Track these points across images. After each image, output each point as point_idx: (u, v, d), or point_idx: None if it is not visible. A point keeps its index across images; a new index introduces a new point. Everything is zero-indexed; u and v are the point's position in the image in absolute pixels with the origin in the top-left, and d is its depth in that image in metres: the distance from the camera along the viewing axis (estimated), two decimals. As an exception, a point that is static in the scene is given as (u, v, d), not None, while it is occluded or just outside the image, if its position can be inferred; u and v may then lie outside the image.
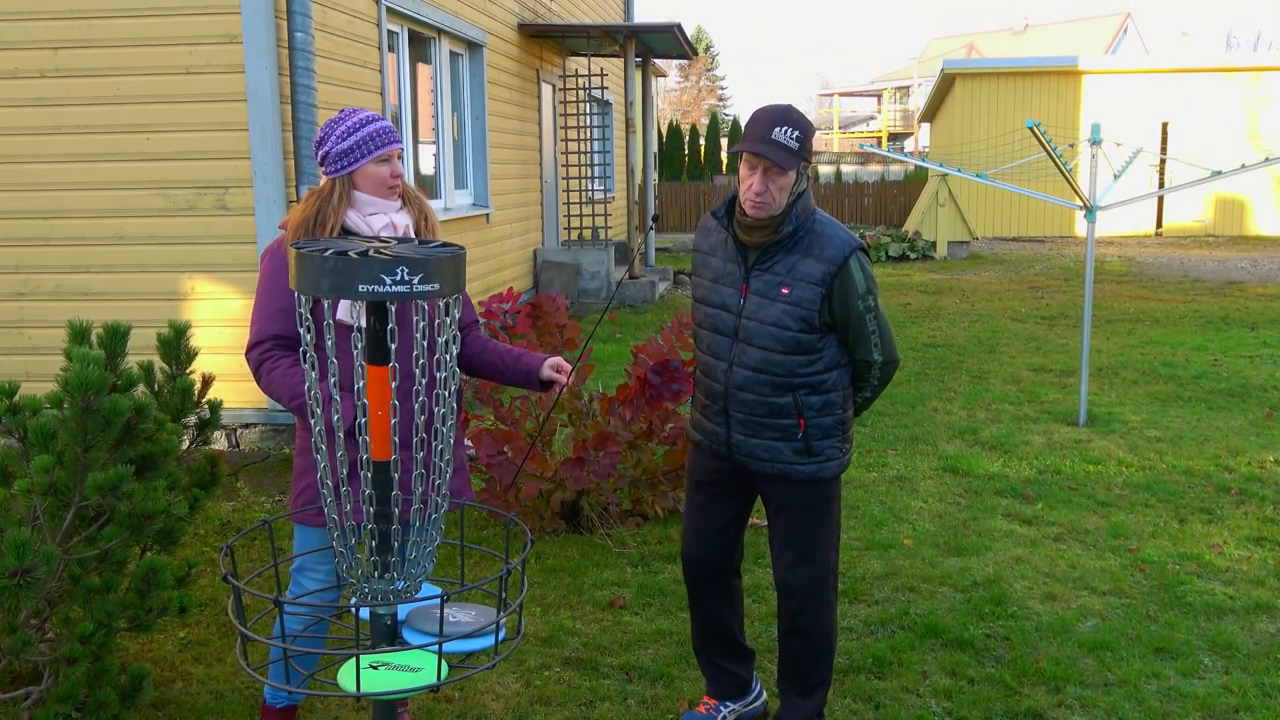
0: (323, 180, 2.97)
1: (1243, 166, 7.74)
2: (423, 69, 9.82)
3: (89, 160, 6.59)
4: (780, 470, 3.18)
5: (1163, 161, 22.19)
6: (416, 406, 2.10)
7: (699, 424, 3.35)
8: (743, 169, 3.02)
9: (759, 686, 3.61)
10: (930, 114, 29.50)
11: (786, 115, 2.99)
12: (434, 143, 10.10)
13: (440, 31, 9.84)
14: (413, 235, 3.02)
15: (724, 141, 32.69)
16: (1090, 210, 7.29)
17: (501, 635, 2.19)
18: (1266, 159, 7.44)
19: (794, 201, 3.05)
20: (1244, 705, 3.66)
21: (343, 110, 2.96)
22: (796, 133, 2.96)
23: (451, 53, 10.39)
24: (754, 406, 3.15)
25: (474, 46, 10.81)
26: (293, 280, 1.92)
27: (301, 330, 2.02)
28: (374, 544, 2.11)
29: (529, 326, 5.31)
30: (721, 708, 3.53)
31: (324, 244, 2.03)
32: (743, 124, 31.79)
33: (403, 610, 2.21)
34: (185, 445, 3.82)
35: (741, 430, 3.19)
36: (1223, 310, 12.63)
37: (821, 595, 3.29)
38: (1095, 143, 7.31)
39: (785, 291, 3.06)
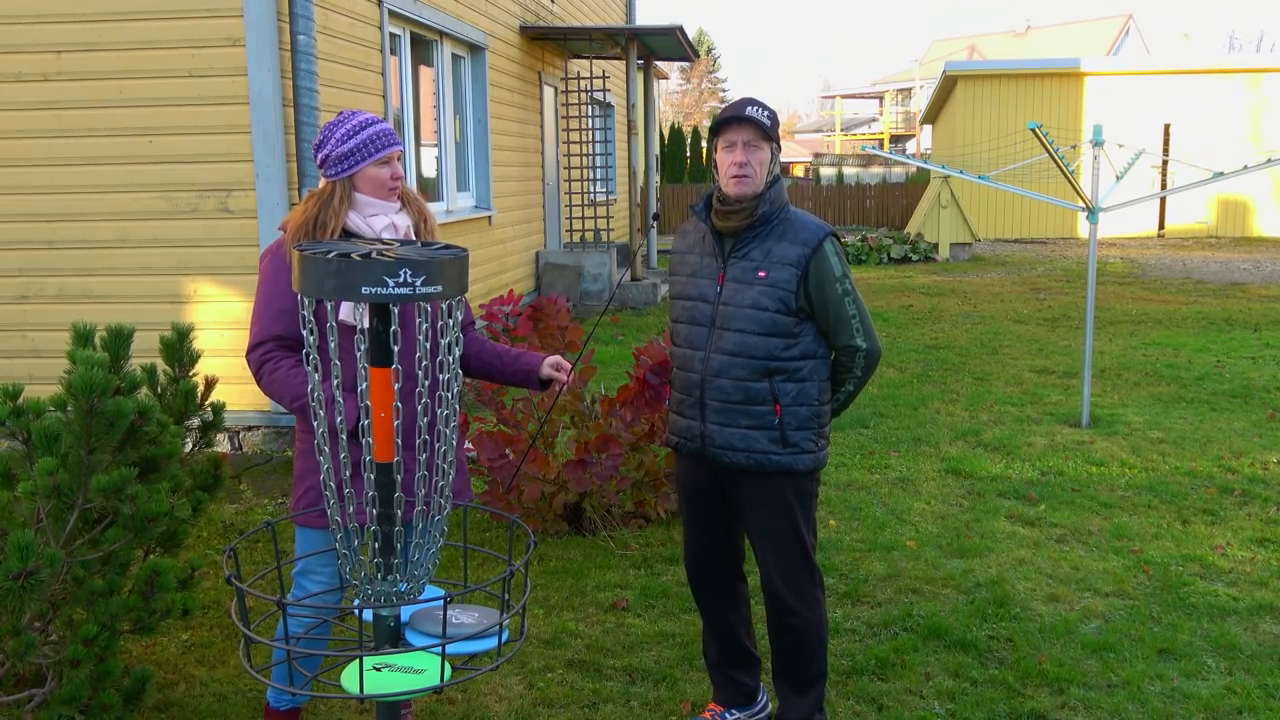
0: (322, 183, 2.97)
1: (1245, 168, 7.73)
2: (425, 71, 9.83)
3: (92, 163, 6.60)
4: (755, 461, 3.18)
5: (1165, 163, 22.19)
6: (419, 408, 2.10)
7: (674, 423, 3.36)
8: (720, 153, 3.15)
9: (764, 698, 3.62)
10: (932, 116, 29.50)
11: (755, 100, 3.18)
12: (436, 145, 10.10)
13: (442, 34, 9.85)
14: (414, 237, 3.02)
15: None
16: (1092, 212, 7.29)
17: (504, 637, 2.19)
18: (1269, 160, 7.44)
19: (771, 183, 3.17)
20: (1247, 706, 3.66)
21: (341, 113, 2.95)
22: (767, 112, 3.14)
23: (453, 55, 10.39)
24: (730, 392, 3.16)
25: (476, 49, 10.82)
26: (296, 282, 1.93)
27: (304, 332, 2.02)
28: (377, 546, 2.11)
29: (530, 329, 5.32)
30: (727, 715, 3.54)
31: (327, 246, 2.03)
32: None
33: (406, 612, 2.22)
34: (188, 447, 3.83)
35: (716, 420, 3.19)
36: (1225, 312, 12.62)
37: (806, 591, 3.30)
38: (1097, 144, 7.31)
39: (762, 275, 3.13)
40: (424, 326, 2.07)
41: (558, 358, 3.14)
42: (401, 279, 1.85)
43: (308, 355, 2.06)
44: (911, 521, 5.50)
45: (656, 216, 4.36)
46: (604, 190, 16.04)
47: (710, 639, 3.54)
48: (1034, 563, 4.93)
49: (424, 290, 1.88)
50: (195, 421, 3.88)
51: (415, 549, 2.17)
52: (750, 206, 3.14)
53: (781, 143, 3.25)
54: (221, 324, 6.59)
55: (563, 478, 5.13)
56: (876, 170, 33.43)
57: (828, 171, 34.44)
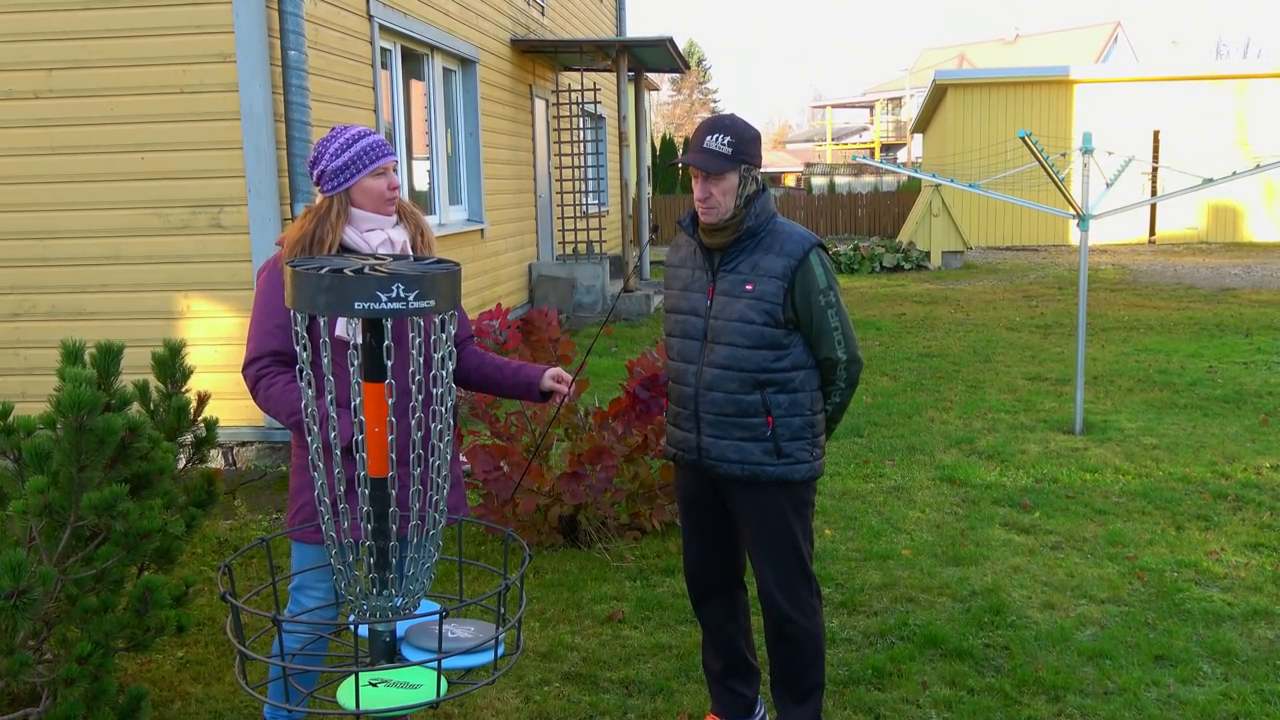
0: (319, 198, 2.97)
1: (1234, 174, 7.76)
2: (416, 85, 9.85)
3: (84, 180, 6.60)
4: (749, 472, 3.19)
5: (1155, 169, 22.27)
6: (413, 423, 2.10)
7: (671, 435, 3.38)
8: (694, 181, 3.16)
9: (762, 709, 3.61)
10: (923, 125, 29.60)
11: (718, 124, 3.13)
12: (428, 159, 10.11)
13: (433, 48, 9.86)
14: (410, 251, 3.02)
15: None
16: (1083, 219, 7.32)
17: (501, 651, 2.19)
18: (1258, 166, 7.47)
19: (751, 200, 3.15)
20: (1243, 712, 3.66)
21: (334, 128, 2.96)
22: (728, 138, 3.09)
23: (445, 69, 10.41)
24: (723, 405, 3.18)
25: (467, 63, 10.84)
26: (289, 298, 1.93)
27: (298, 348, 2.02)
28: (372, 561, 2.11)
29: (519, 341, 5.31)
30: None
31: (320, 261, 2.03)
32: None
33: (401, 627, 2.21)
34: (182, 463, 3.82)
35: (711, 432, 3.21)
36: (1217, 317, 12.66)
37: (803, 599, 3.30)
38: (1087, 151, 7.34)
39: (749, 288, 3.14)
40: (417, 341, 2.07)
41: (558, 370, 3.14)
42: (394, 294, 1.86)
43: (301, 371, 2.06)
44: (907, 530, 5.50)
45: (655, 229, 4.38)
46: (596, 202, 16.06)
47: (710, 650, 3.53)
48: (1029, 570, 4.93)
49: (417, 305, 1.88)
50: (188, 437, 3.87)
51: (410, 564, 2.16)
52: (733, 223, 3.14)
53: (766, 153, 3.25)
54: (215, 340, 6.58)
55: (557, 490, 5.12)
56: (868, 179, 33.54)
57: (819, 181, 34.53)
